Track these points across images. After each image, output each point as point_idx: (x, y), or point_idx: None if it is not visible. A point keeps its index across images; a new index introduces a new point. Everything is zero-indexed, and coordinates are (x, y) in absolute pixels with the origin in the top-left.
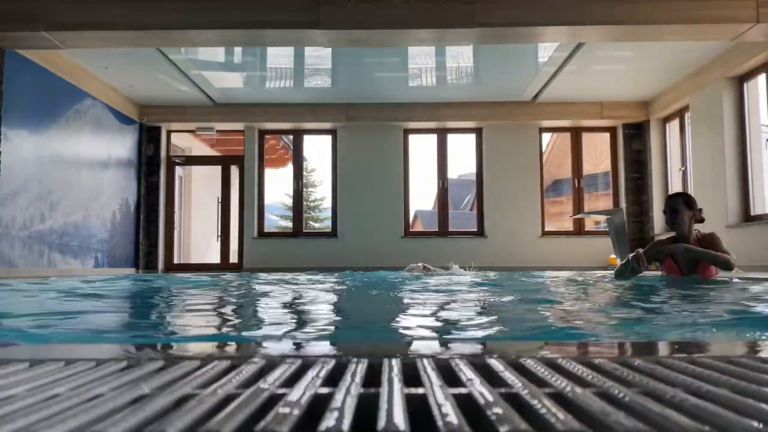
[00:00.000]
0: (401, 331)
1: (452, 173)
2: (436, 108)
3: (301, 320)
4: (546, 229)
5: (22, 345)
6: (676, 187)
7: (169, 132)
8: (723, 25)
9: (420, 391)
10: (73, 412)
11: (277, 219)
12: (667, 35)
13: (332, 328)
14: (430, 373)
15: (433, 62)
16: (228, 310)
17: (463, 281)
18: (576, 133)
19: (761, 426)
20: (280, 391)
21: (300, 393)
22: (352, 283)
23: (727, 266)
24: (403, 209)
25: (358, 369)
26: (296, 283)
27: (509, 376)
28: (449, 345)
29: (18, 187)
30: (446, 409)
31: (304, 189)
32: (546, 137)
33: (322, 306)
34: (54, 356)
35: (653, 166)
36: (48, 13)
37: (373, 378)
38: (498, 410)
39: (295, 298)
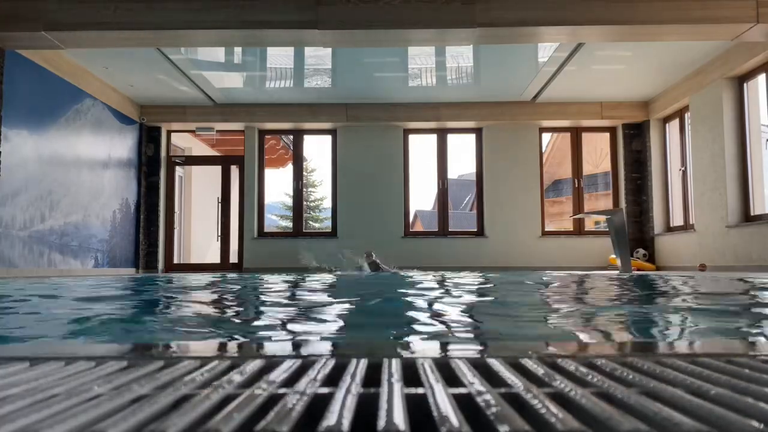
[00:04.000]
0: (401, 331)
1: (452, 173)
2: (436, 108)
3: (301, 320)
4: (546, 229)
5: (22, 344)
6: (676, 187)
7: (169, 132)
8: (723, 25)
9: (420, 391)
10: (73, 412)
11: (277, 219)
12: (667, 35)
13: (332, 328)
14: (430, 373)
15: (433, 62)
16: (228, 310)
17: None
18: (576, 133)
19: (761, 426)
20: (280, 391)
21: (300, 393)
22: (352, 283)
23: None
24: (403, 209)
25: (358, 369)
26: (297, 283)
27: (509, 376)
28: (449, 345)
29: (18, 187)
30: (446, 409)
31: (304, 189)
32: (546, 137)
33: (321, 306)
34: (54, 356)
35: (653, 166)
36: (48, 13)
37: (373, 378)
38: (498, 410)
39: (295, 299)
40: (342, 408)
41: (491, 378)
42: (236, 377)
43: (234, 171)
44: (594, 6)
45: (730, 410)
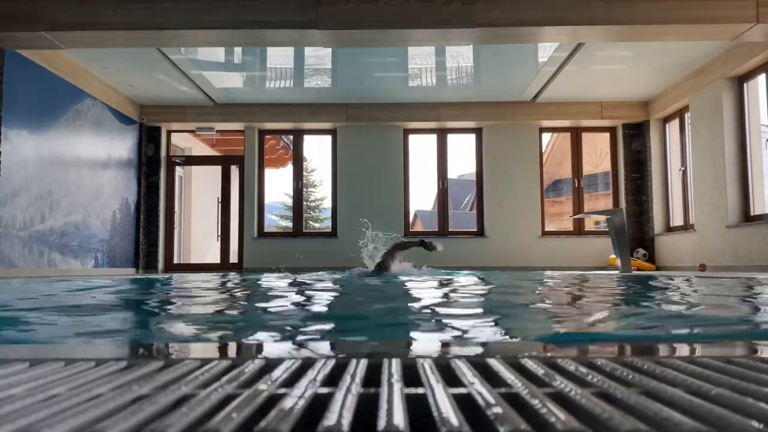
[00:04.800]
0: (401, 331)
1: (452, 173)
2: (436, 108)
3: (301, 320)
4: (546, 229)
5: (22, 345)
6: (676, 187)
7: (169, 132)
8: (723, 25)
9: (420, 391)
10: (73, 412)
11: (277, 219)
12: (667, 35)
13: (332, 328)
14: (430, 374)
15: (433, 62)
16: (228, 310)
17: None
18: (576, 133)
19: (761, 426)
20: (280, 391)
21: (300, 393)
22: (352, 283)
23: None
24: (403, 209)
25: (358, 369)
26: (296, 283)
27: (509, 376)
28: (449, 345)
29: (18, 187)
30: (446, 410)
31: (304, 189)
32: (546, 137)
33: (322, 306)
34: (54, 356)
35: (653, 166)
36: (48, 13)
37: (373, 378)
38: (498, 410)
39: (294, 298)
40: (342, 408)
41: (491, 378)
42: (236, 377)
43: (234, 171)
44: (594, 6)
45: (730, 410)
